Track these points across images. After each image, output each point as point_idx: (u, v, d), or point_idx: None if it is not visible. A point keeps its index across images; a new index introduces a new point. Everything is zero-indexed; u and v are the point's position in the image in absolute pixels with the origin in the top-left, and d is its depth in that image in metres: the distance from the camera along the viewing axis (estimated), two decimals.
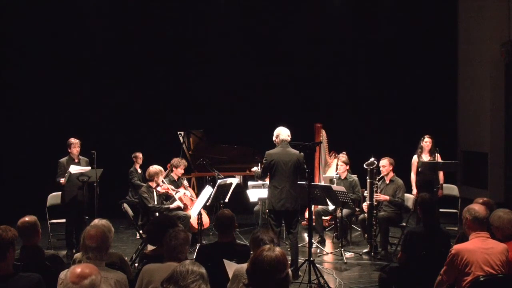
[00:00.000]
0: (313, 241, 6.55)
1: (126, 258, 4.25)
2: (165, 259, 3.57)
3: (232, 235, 4.45)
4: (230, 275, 3.59)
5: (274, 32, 11.02)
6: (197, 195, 7.63)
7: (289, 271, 2.81)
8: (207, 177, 8.82)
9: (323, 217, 7.86)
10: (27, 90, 10.16)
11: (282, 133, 6.25)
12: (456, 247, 3.83)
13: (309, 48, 10.98)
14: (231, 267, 3.68)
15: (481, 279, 3.66)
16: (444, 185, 8.06)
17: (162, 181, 7.32)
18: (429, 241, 4.60)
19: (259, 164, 7.33)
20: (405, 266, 4.65)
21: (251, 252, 3.76)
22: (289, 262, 4.52)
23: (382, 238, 7.04)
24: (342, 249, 6.92)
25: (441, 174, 7.88)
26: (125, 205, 7.01)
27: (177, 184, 7.84)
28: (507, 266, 3.76)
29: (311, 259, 5.63)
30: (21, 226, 4.06)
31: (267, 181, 6.68)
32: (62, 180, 7.18)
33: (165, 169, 7.88)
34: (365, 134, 10.64)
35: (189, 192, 7.81)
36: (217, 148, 9.37)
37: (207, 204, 6.91)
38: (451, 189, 8.32)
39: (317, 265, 5.81)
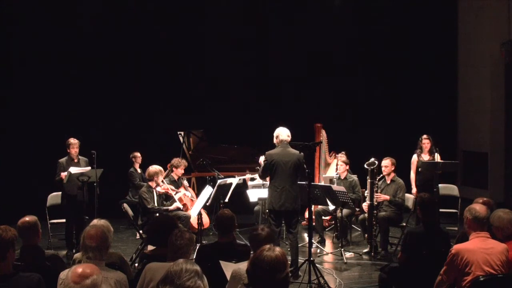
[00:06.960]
0: (313, 241, 6.54)
1: (126, 258, 4.25)
2: (169, 259, 3.54)
3: (232, 235, 4.44)
4: (228, 276, 3.58)
5: (273, 31, 11.01)
6: (197, 195, 7.63)
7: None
8: (207, 177, 8.81)
9: (323, 217, 7.86)
10: (27, 90, 10.14)
11: (282, 133, 6.25)
12: (456, 247, 3.84)
13: (309, 47, 10.97)
14: (229, 268, 3.67)
15: (481, 279, 3.67)
16: (444, 185, 8.05)
17: (162, 181, 7.31)
18: (429, 241, 4.60)
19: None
20: (405, 266, 4.65)
21: (251, 252, 3.75)
22: (289, 262, 4.53)
23: (382, 238, 7.04)
24: (342, 249, 6.92)
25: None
26: (125, 205, 7.00)
27: (177, 184, 7.84)
28: (507, 266, 3.76)
29: (311, 259, 5.63)
30: (21, 226, 4.06)
31: (267, 181, 6.68)
32: (63, 175, 7.13)
33: (165, 169, 7.88)
34: (365, 134, 10.63)
35: (189, 193, 7.81)
36: (217, 148, 9.36)
37: (207, 204, 6.91)
38: (451, 189, 8.31)
39: (317, 265, 5.82)
